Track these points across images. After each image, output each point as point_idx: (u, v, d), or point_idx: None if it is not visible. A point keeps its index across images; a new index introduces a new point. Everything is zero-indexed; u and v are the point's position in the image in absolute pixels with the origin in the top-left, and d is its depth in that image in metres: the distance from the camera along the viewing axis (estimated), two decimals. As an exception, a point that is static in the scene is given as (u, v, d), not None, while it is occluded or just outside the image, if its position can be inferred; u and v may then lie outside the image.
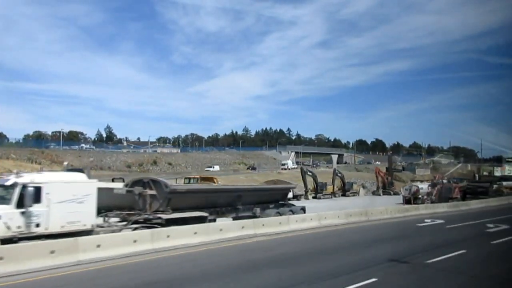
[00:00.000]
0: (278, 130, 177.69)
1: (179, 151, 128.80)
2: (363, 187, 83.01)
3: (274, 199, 21.74)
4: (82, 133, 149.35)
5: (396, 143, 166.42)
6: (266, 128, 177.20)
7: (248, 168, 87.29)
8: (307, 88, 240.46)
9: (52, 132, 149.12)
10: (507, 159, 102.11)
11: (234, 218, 19.03)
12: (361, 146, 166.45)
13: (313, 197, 59.14)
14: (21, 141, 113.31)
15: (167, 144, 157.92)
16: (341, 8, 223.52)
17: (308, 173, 59.55)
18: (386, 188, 69.77)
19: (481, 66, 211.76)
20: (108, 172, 62.07)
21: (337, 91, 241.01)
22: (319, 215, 19.79)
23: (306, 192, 58.19)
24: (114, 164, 66.72)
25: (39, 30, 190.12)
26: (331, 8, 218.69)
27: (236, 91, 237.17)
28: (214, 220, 17.11)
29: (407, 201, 46.49)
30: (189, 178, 41.78)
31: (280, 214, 20.76)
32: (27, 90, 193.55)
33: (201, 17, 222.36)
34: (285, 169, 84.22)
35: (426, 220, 23.66)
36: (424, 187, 48.38)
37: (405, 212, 26.07)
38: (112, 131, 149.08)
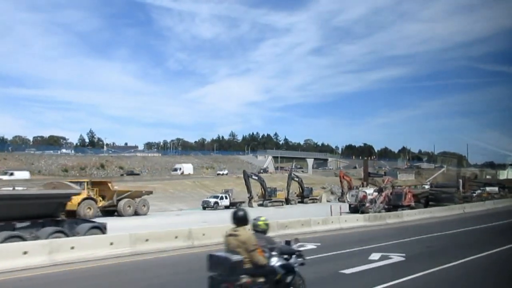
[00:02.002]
0: (266, 135, 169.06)
1: (160, 155, 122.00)
2: (332, 192, 73.76)
3: (31, 214, 13.00)
4: (64, 138, 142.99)
5: (384, 148, 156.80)
6: (253, 133, 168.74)
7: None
8: (301, 95, 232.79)
9: (34, 137, 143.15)
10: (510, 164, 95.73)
11: None
12: (349, 151, 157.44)
13: (260, 205, 50.24)
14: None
15: (153, 149, 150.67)
16: (335, 16, 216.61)
17: (253, 177, 50.60)
18: (352, 193, 60.06)
19: (473, 73, 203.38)
20: (37, 176, 53.83)
21: (332, 97, 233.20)
22: (51, 244, 10.93)
23: (250, 198, 49.21)
24: (49, 168, 58.33)
25: (35, 36, 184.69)
26: (326, 15, 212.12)
27: (231, 97, 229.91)
28: None
29: (353, 209, 37.86)
30: (75, 182, 33.15)
31: (23, 239, 12.06)
32: (22, 95, 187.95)
33: (196, 24, 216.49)
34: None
35: (290, 246, 14.68)
36: (372, 192, 39.43)
37: (279, 230, 17.09)
38: (95, 136, 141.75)
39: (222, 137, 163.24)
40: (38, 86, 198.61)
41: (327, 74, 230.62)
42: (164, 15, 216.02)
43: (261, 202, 49.98)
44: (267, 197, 50.51)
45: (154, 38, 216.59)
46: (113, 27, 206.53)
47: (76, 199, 30.38)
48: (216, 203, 43.23)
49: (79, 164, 62.62)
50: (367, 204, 34.82)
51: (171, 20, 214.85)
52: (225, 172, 78.04)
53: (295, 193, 59.26)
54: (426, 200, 43.32)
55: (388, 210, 34.57)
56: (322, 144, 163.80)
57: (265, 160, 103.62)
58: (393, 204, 36.25)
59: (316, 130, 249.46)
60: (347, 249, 14.04)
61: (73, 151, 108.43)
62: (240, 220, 5.54)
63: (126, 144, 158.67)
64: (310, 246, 14.59)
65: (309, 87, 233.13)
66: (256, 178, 50.49)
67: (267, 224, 6.07)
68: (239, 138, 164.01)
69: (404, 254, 12.61)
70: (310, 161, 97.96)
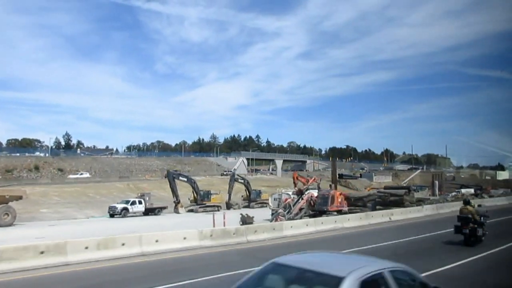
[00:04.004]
0: (248, 137, 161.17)
1: (136, 156, 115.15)
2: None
3: None
4: (38, 140, 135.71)
5: (366, 149, 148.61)
6: (234, 135, 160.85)
7: None
8: (290, 98, 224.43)
9: (7, 140, 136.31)
10: (509, 165, 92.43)
11: None
12: (332, 153, 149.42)
13: (190, 210, 42.39)
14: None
15: (134, 151, 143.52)
16: (323, 20, 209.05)
17: (181, 178, 42.69)
18: (308, 196, 51.80)
19: (459, 77, 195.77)
20: None
21: (320, 101, 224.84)
22: None
23: (177, 203, 41.33)
24: (-35, 169, 50.73)
25: (22, 38, 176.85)
26: (314, 20, 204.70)
27: (220, 101, 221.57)
28: None
29: (274, 216, 29.94)
30: None
31: None
32: (8, 98, 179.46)
33: (185, 28, 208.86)
34: None
35: None
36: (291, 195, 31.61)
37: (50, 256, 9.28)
38: (71, 138, 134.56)
39: (203, 139, 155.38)
40: (25, 89, 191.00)
41: (315, 78, 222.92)
42: (153, 18, 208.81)
43: (191, 208, 42.21)
44: (199, 201, 42.66)
45: (143, 41, 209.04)
46: (101, 30, 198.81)
47: None
48: (125, 209, 35.37)
49: (6, 166, 54.91)
50: (280, 211, 26.88)
51: (159, 24, 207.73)
52: (86, 174, 64.79)
53: (242, 196, 51.52)
54: (374, 203, 35.61)
55: (313, 216, 26.91)
56: (305, 147, 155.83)
57: (236, 161, 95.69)
58: (319, 210, 28.47)
59: (304, 133, 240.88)
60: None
61: (47, 154, 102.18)
62: (467, 203, 14.62)
63: (107, 147, 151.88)
64: None
65: (298, 91, 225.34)
66: (185, 179, 42.52)
67: (472, 205, 14.97)
68: (221, 140, 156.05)
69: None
70: (279, 163, 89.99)
